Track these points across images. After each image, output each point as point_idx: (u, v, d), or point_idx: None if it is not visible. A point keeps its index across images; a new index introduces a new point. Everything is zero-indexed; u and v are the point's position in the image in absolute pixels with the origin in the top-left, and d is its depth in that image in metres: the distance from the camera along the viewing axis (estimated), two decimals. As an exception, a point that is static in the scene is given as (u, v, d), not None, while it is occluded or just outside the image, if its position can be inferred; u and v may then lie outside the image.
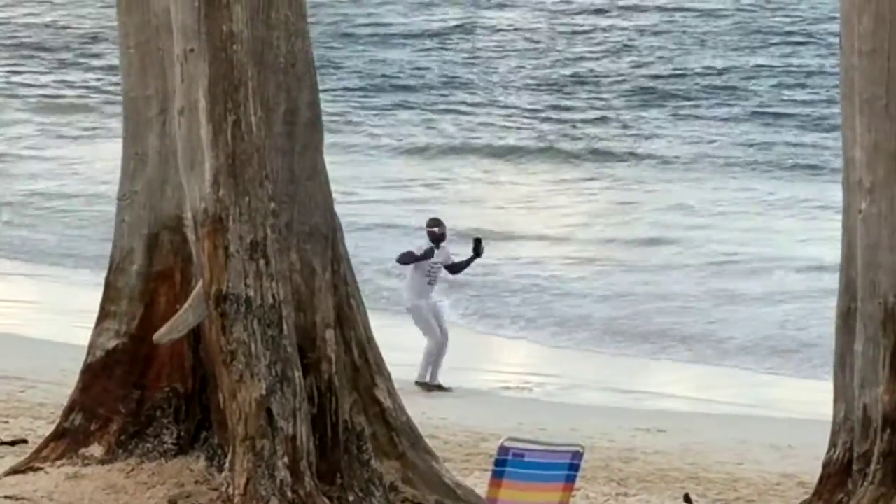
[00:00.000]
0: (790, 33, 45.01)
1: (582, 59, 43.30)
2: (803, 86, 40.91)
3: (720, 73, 41.40)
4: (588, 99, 39.38)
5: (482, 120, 37.15)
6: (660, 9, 44.77)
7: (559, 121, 37.25)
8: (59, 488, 9.47)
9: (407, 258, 16.34)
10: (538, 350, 21.43)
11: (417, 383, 16.32)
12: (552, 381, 19.12)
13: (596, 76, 41.11)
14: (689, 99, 39.71)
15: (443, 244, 16.33)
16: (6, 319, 21.10)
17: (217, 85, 8.72)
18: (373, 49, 45.17)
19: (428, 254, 16.26)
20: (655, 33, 44.46)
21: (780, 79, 41.37)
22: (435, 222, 16.67)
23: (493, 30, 47.74)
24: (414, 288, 16.48)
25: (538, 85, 41.57)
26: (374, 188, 30.66)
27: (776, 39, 43.98)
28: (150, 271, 9.69)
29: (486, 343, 21.24)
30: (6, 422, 13.61)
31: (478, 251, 16.81)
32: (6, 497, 9.56)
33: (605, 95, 38.82)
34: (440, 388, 16.25)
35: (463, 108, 38.73)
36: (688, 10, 45.95)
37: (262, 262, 8.83)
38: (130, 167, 9.75)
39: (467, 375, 18.38)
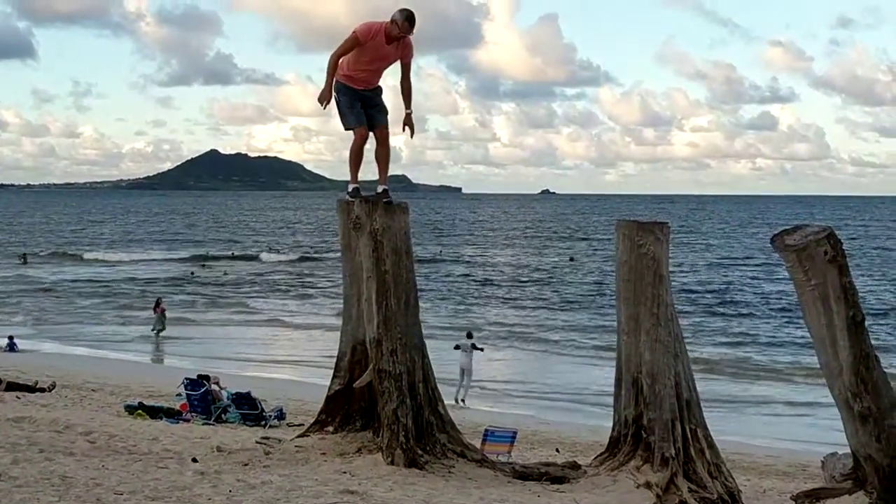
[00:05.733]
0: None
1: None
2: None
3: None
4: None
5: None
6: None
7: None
8: (316, 444, 13.43)
9: (457, 346, 27.31)
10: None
11: (461, 400, 27.11)
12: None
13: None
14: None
15: (473, 336, 27.10)
16: (298, 374, 31.29)
17: (379, 290, 13.09)
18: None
19: (467, 342, 27.28)
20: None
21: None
22: (469, 332, 27.88)
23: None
24: (464, 356, 27.15)
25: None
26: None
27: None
28: (353, 359, 13.78)
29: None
30: (308, 414, 19.40)
31: (480, 349, 27.91)
32: (296, 447, 13.27)
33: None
34: (462, 402, 26.72)
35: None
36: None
37: (396, 358, 13.08)
38: (346, 320, 13.91)
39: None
